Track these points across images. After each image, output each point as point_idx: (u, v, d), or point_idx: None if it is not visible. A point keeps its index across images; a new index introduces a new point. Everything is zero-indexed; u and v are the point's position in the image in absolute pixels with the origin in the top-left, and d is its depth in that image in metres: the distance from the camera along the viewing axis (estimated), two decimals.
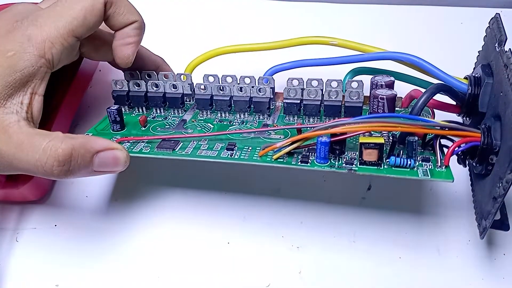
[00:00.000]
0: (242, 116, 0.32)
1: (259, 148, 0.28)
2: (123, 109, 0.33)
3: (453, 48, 0.37)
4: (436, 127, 0.25)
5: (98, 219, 0.33)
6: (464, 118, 0.30)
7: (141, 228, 0.32)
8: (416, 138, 0.25)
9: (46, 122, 0.31)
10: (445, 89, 0.28)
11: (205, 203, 0.33)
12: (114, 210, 0.33)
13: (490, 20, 0.29)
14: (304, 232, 0.31)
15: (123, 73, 0.33)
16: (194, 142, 0.29)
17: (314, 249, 0.31)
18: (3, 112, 0.26)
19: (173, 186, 0.34)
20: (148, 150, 0.28)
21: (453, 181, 0.24)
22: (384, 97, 0.27)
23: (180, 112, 0.33)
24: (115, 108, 0.30)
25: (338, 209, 0.32)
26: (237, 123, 0.31)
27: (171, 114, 0.33)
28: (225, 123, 0.31)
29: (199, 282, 0.30)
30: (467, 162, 0.27)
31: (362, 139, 0.25)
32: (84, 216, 0.33)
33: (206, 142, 0.29)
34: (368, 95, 0.31)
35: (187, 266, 0.30)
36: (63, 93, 0.35)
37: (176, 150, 0.28)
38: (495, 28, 0.28)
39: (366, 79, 0.32)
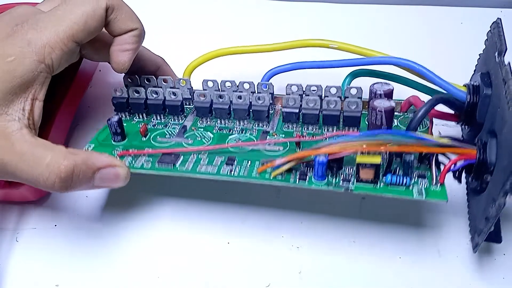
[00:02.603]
0: (241, 123, 0.32)
1: (258, 162, 0.28)
2: (123, 115, 0.33)
3: (453, 48, 0.37)
4: (433, 145, 0.25)
5: (98, 219, 0.33)
6: (463, 127, 0.30)
7: (141, 228, 0.32)
8: (413, 157, 0.26)
9: (46, 122, 0.31)
10: (444, 101, 0.28)
11: (205, 203, 0.33)
12: (114, 210, 0.33)
13: (492, 24, 0.29)
14: (304, 232, 0.31)
15: (122, 76, 0.33)
16: (194, 155, 0.29)
17: (314, 249, 0.31)
18: (5, 120, 0.26)
19: (173, 186, 0.34)
20: (150, 166, 0.29)
21: (447, 202, 0.25)
22: (382, 109, 0.28)
23: (180, 118, 0.33)
24: (115, 120, 0.30)
25: (338, 209, 0.32)
26: (236, 131, 0.31)
27: (171, 120, 0.33)
28: (224, 131, 0.31)
29: (199, 282, 0.30)
30: (463, 176, 0.27)
31: (359, 159, 0.26)
32: (84, 216, 0.33)
33: (206, 155, 0.29)
34: (368, 97, 0.31)
35: (187, 266, 0.30)
36: (63, 94, 0.35)
37: (176, 165, 0.29)
38: (496, 34, 0.28)
39: (366, 81, 0.32)
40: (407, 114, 0.32)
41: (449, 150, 0.26)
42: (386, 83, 0.30)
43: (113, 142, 0.31)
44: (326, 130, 0.31)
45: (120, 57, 0.29)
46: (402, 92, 0.32)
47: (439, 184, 0.26)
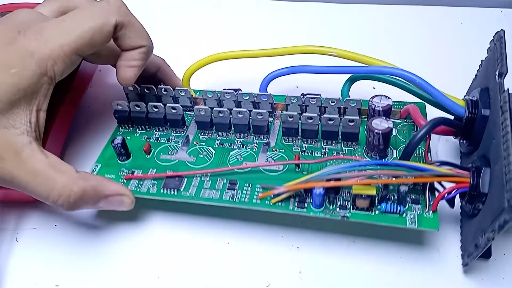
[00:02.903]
0: (241, 135, 0.32)
1: (258, 185, 0.29)
2: (125, 126, 0.34)
3: (453, 49, 0.37)
4: (428, 175, 0.26)
5: (98, 219, 0.33)
6: (461, 141, 0.30)
7: (141, 228, 0.32)
8: (407, 188, 0.27)
9: (46, 123, 0.31)
10: (442, 123, 0.28)
11: (205, 203, 0.33)
12: (115, 210, 0.33)
13: (495, 35, 0.28)
14: (304, 232, 0.31)
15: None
16: (197, 178, 0.30)
17: (314, 249, 0.31)
18: (15, 134, 0.26)
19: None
20: (155, 191, 0.30)
21: (438, 230, 0.26)
22: (380, 132, 0.28)
23: (182, 130, 0.34)
24: (119, 142, 0.31)
25: None
26: (237, 146, 0.32)
27: (173, 132, 0.33)
28: (225, 145, 0.32)
29: (199, 282, 0.30)
30: (456, 200, 0.28)
31: (355, 190, 0.27)
32: (84, 217, 0.33)
33: (208, 178, 0.30)
34: (367, 99, 0.31)
35: (187, 266, 0.30)
36: (63, 95, 0.35)
37: (181, 189, 0.30)
38: (498, 49, 0.27)
39: (365, 83, 0.32)
40: (406, 121, 0.32)
41: (444, 179, 0.26)
42: (385, 97, 0.30)
43: (118, 161, 0.32)
44: (325, 144, 0.31)
45: (127, 73, 0.30)
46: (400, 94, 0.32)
47: (431, 211, 0.27)
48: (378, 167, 0.26)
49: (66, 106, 0.35)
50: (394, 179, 0.26)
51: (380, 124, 0.28)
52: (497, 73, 0.26)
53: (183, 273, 0.30)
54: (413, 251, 0.30)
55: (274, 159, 0.31)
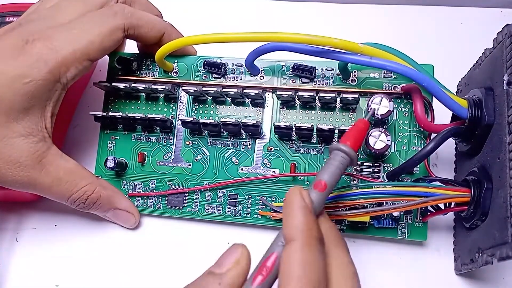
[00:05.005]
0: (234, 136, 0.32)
1: (257, 198, 0.30)
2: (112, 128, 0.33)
3: (453, 49, 0.37)
4: (425, 201, 0.26)
5: (98, 219, 0.32)
6: (461, 144, 0.28)
7: (140, 228, 0.32)
8: (399, 213, 0.28)
9: None
10: (448, 138, 0.27)
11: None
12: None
13: (504, 28, 0.25)
14: None
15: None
16: (198, 194, 0.31)
17: None
18: (33, 141, 0.27)
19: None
20: (161, 207, 0.31)
21: (426, 240, 0.28)
22: (377, 151, 0.28)
23: (170, 126, 0.32)
24: (113, 166, 0.31)
25: None
26: (231, 145, 0.31)
27: (162, 129, 0.32)
28: (219, 144, 0.31)
29: None
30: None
31: (350, 219, 0.28)
32: (84, 217, 0.33)
33: (209, 190, 0.31)
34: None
35: (187, 266, 0.30)
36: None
37: (185, 206, 0.31)
38: (507, 46, 0.24)
39: None
40: (407, 99, 0.30)
41: (442, 201, 0.26)
42: (386, 97, 0.27)
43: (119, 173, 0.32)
44: (320, 144, 0.30)
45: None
46: None
47: (421, 222, 0.28)
48: (386, 194, 0.26)
49: (65, 106, 0.34)
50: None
51: (378, 138, 0.27)
52: (505, 78, 0.24)
53: (182, 273, 0.30)
54: (413, 251, 0.30)
55: (270, 160, 0.31)
